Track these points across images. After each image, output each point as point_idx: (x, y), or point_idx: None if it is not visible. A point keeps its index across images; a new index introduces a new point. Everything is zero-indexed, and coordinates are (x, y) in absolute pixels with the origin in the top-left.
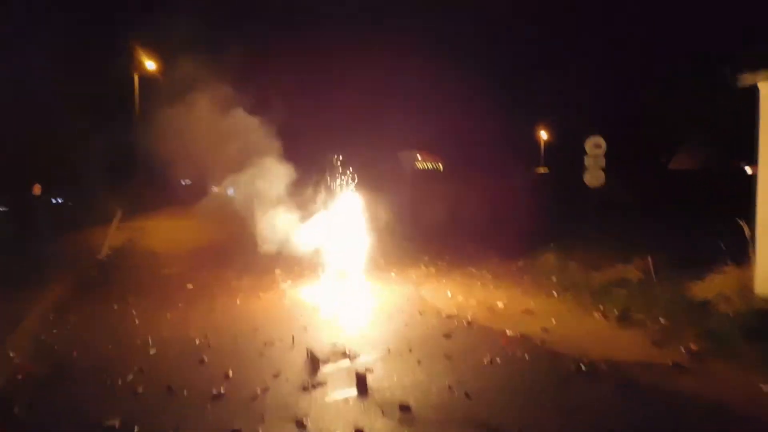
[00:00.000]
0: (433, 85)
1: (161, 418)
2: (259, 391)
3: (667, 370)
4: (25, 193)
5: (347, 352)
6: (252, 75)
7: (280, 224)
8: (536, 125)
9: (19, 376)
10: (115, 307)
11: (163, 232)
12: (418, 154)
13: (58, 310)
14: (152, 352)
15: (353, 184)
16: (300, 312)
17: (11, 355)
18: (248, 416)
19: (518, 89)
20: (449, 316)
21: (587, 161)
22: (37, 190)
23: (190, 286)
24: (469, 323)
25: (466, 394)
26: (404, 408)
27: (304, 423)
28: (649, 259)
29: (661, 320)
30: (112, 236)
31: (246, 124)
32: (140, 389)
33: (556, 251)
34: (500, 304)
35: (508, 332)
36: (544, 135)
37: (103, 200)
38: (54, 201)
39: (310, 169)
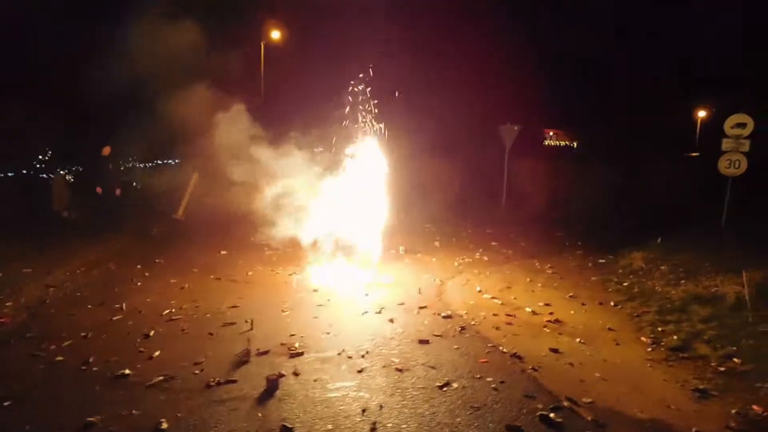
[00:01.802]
0: (561, 52)
1: (51, 393)
2: (159, 379)
3: None
4: (102, 157)
5: (294, 347)
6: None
7: (349, 197)
8: (696, 102)
9: None
10: (138, 267)
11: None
12: (551, 131)
13: (90, 266)
14: (116, 318)
15: (438, 157)
16: (296, 294)
17: (8, 304)
18: (119, 407)
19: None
20: (448, 317)
21: (725, 144)
22: (106, 151)
23: (223, 252)
24: (462, 329)
25: (372, 428)
26: (286, 430)
27: (162, 427)
28: (744, 275)
29: (735, 360)
30: (189, 198)
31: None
32: (61, 358)
33: (651, 250)
34: (528, 309)
35: (502, 348)
36: (701, 114)
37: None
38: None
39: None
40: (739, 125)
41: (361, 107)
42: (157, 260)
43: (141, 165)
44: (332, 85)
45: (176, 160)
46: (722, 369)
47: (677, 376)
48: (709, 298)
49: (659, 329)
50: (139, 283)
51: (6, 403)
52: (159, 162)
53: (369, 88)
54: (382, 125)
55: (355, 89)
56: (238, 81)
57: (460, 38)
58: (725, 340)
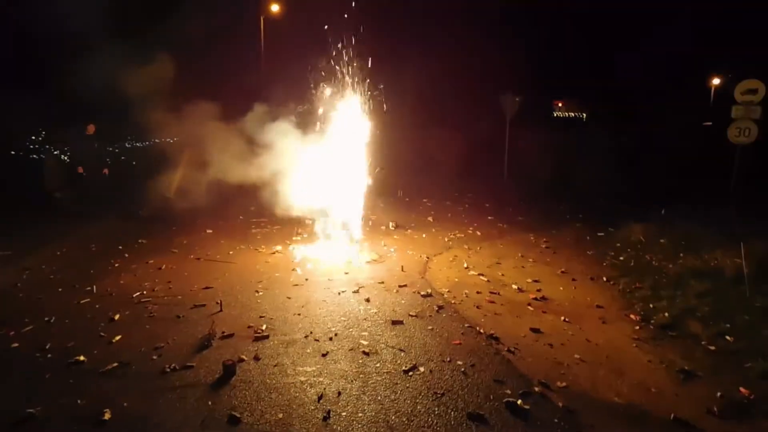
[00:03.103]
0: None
1: None
2: (113, 366)
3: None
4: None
5: (261, 330)
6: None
7: (342, 171)
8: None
9: None
10: (120, 247)
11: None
12: (560, 103)
13: (71, 247)
14: (83, 301)
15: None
16: (274, 273)
17: None
18: (64, 397)
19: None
20: (427, 296)
21: (735, 111)
22: (90, 129)
23: (209, 231)
24: (440, 308)
25: (326, 417)
26: (233, 420)
27: (104, 417)
28: (743, 248)
29: (727, 338)
30: (181, 177)
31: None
32: (16, 344)
33: (652, 222)
34: (515, 286)
35: (479, 329)
36: (715, 81)
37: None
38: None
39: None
40: (750, 91)
41: (347, 70)
42: (140, 240)
43: (136, 143)
44: (322, 51)
45: (172, 138)
46: (712, 348)
47: (663, 357)
48: (708, 272)
49: (650, 306)
50: (116, 264)
51: None
52: (155, 140)
53: (352, 48)
54: (374, 92)
55: (341, 51)
56: (237, 57)
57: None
58: (719, 317)
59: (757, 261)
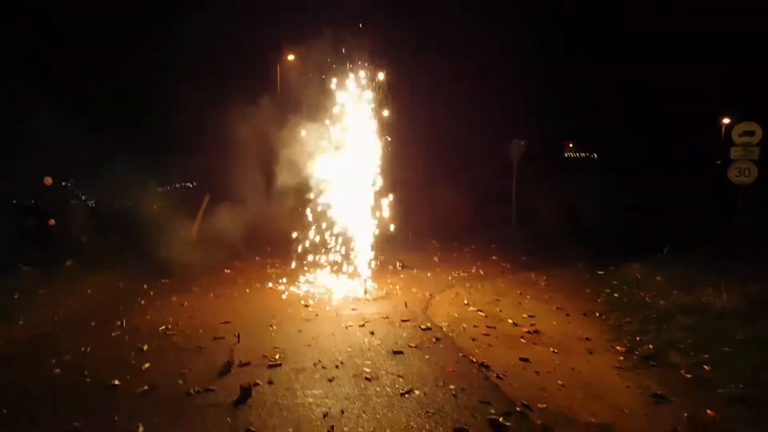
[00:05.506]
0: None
1: (44, 402)
2: (144, 389)
3: None
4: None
5: (274, 359)
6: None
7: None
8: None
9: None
10: (144, 286)
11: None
12: (570, 143)
13: (100, 286)
14: (114, 334)
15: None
16: (287, 309)
17: (20, 322)
18: (103, 413)
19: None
20: (427, 329)
21: (734, 152)
22: (47, 181)
23: (227, 271)
24: (438, 340)
25: (329, 430)
26: None
27: (138, 431)
28: (722, 284)
29: (705, 367)
30: (201, 219)
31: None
32: (58, 371)
33: (652, 261)
34: (510, 321)
35: (472, 358)
36: (726, 120)
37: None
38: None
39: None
40: (747, 133)
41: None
42: (163, 280)
43: (159, 188)
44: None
45: (193, 183)
46: (689, 376)
47: (641, 383)
48: (697, 308)
49: (637, 338)
50: (142, 302)
51: (3, 411)
52: (177, 185)
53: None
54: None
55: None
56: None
57: (468, 47)
58: (700, 348)
59: (749, 299)
